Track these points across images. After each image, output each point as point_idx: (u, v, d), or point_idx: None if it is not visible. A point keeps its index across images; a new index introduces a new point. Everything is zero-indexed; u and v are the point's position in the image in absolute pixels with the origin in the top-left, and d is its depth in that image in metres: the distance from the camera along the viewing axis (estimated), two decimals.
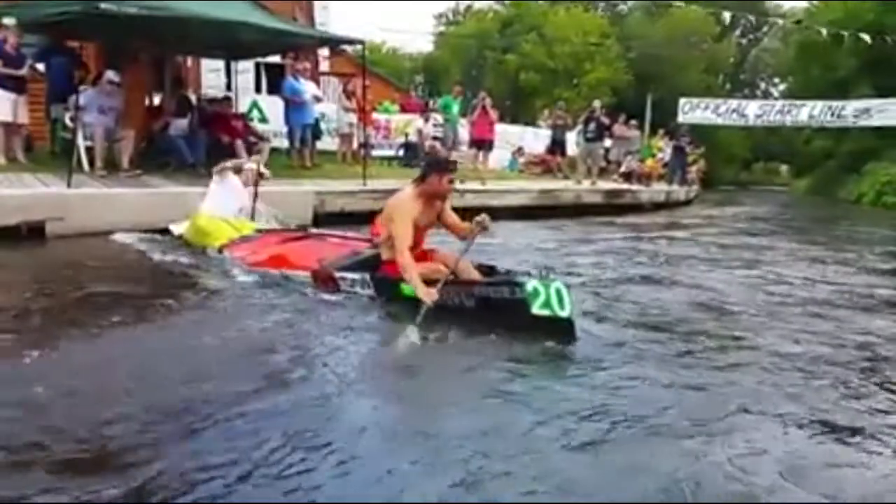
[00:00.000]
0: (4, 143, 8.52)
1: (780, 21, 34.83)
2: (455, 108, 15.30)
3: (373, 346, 3.62)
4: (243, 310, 4.32)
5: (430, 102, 16.62)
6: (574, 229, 10.12)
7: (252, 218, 6.59)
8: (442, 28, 51.07)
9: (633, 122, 19.26)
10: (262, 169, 6.88)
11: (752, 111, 23.19)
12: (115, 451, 2.30)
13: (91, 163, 8.52)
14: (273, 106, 12.49)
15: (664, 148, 20.10)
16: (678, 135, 19.19)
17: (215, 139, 9.63)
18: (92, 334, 3.65)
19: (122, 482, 2.07)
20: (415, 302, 3.96)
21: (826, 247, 9.47)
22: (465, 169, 13.17)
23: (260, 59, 14.37)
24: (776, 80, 49.71)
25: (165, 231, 6.53)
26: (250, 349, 3.50)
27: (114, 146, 8.75)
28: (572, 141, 16.90)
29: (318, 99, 11.91)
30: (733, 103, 24.33)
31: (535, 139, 18.76)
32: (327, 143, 13.22)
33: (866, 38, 18.84)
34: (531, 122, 22.71)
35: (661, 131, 21.76)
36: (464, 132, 15.39)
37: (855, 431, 2.64)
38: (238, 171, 6.58)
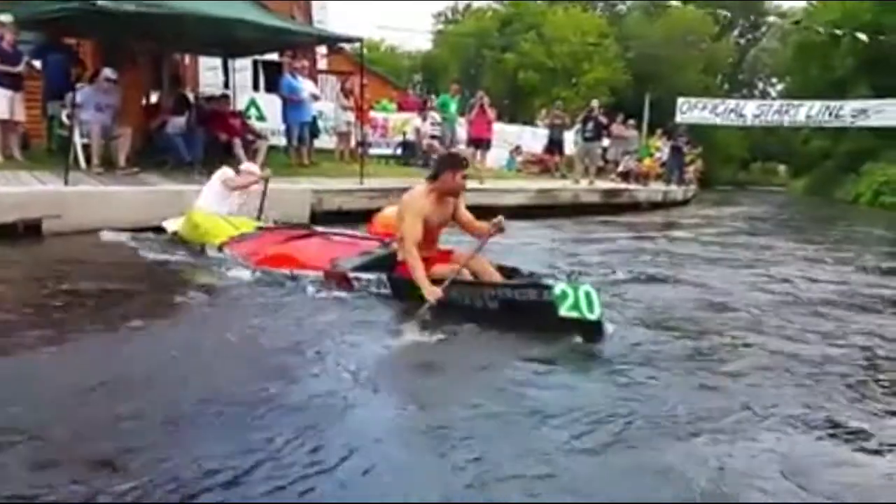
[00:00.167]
0: (1, 141, 8.49)
1: (779, 21, 34.81)
2: (453, 107, 15.29)
3: (386, 345, 3.60)
4: (253, 308, 4.30)
5: (428, 101, 16.57)
6: (573, 229, 10.13)
7: (259, 217, 6.57)
8: (441, 26, 51.09)
9: (631, 121, 19.27)
10: (254, 169, 6.81)
11: (750, 111, 23.26)
12: (120, 449, 2.28)
13: (88, 160, 8.50)
14: (271, 104, 12.47)
15: (662, 148, 20.11)
16: (676, 134, 19.21)
17: (213, 137, 9.61)
18: (97, 332, 3.64)
19: (127, 481, 2.07)
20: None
21: (824, 247, 9.48)
22: None
23: (258, 57, 14.35)
24: (774, 80, 49.74)
25: (158, 229, 6.47)
26: (261, 348, 3.49)
27: (111, 144, 8.72)
28: (570, 140, 16.91)
29: (315, 97, 11.90)
30: (731, 103, 24.40)
31: (533, 138, 18.77)
32: (325, 141, 13.20)
33: (863, 37, 18.85)
34: (529, 121, 22.71)
35: (658, 131, 21.77)
36: (462, 131, 15.39)
37: (858, 432, 2.63)
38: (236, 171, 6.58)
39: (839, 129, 24.23)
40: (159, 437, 2.39)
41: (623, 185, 16.16)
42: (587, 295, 3.67)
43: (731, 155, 43.57)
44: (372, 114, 14.94)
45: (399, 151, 14.98)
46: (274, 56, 14.33)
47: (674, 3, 19.82)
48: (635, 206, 14.68)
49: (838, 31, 20.38)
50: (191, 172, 8.60)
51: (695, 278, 6.07)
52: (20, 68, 8.54)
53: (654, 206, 15.78)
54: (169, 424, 2.49)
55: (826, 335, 4.13)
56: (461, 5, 50.45)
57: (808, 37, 28.19)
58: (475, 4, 49.36)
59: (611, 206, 13.51)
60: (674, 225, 12.70)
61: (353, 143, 12.95)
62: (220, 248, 5.63)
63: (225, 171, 6.38)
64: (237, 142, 9.59)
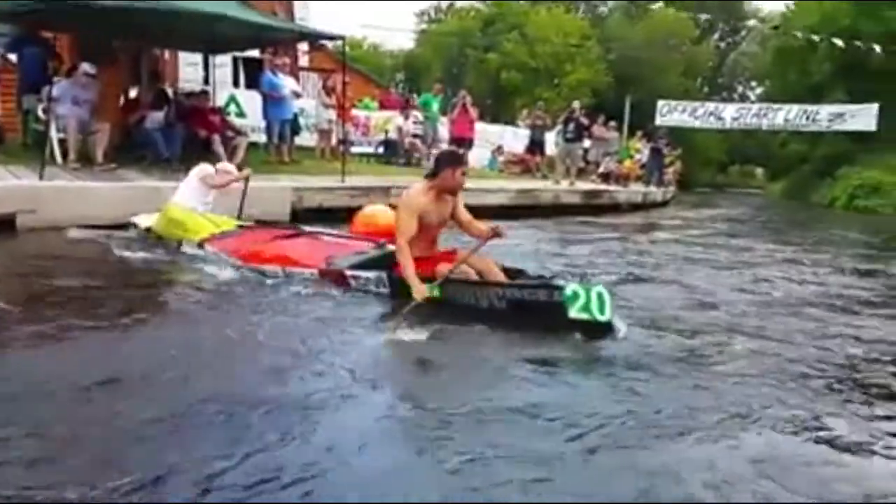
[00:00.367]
0: None
1: (758, 25, 35.22)
2: (435, 106, 15.30)
3: (385, 344, 3.58)
4: (245, 306, 4.27)
5: (410, 99, 16.55)
6: (554, 229, 10.16)
7: (239, 215, 6.49)
8: (424, 25, 51.08)
9: (612, 123, 19.40)
10: (231, 168, 6.70)
11: (729, 114, 23.48)
12: (113, 449, 2.26)
13: (64, 155, 8.37)
14: (251, 101, 12.38)
15: (642, 149, 20.26)
16: (656, 137, 19.36)
17: (192, 133, 9.53)
18: (84, 330, 3.56)
19: (122, 481, 2.04)
20: (437, 302, 3.99)
21: (802, 249, 9.60)
22: None
23: (238, 54, 14.23)
24: (753, 83, 50.34)
25: (125, 226, 6.34)
26: (257, 347, 3.46)
27: (88, 139, 8.60)
28: (551, 141, 16.97)
29: (297, 94, 11.83)
30: (710, 106, 24.62)
31: (515, 139, 18.81)
32: (306, 138, 13.14)
33: (840, 43, 19.13)
34: (511, 121, 22.76)
35: (639, 133, 21.93)
36: (444, 130, 15.40)
37: (841, 432, 2.64)
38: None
39: (816, 133, 24.54)
40: (153, 437, 2.36)
41: (603, 187, 16.27)
42: (599, 296, 3.69)
43: (710, 157, 44.06)
44: (354, 112, 14.87)
45: (381, 150, 14.94)
46: (255, 52, 14.22)
47: (655, 6, 20.00)
48: (615, 208, 14.77)
49: (815, 37, 20.64)
50: (169, 169, 8.50)
51: (678, 279, 6.11)
52: None
53: (634, 207, 15.89)
54: (163, 423, 2.46)
55: (807, 336, 4.16)
56: (444, 4, 50.55)
57: (787, 41, 28.56)
58: (458, 4, 49.44)
59: (591, 207, 13.58)
60: (654, 226, 12.79)
61: (334, 140, 12.89)
62: (199, 245, 5.54)
63: (204, 168, 6.29)
64: (216, 138, 9.52)
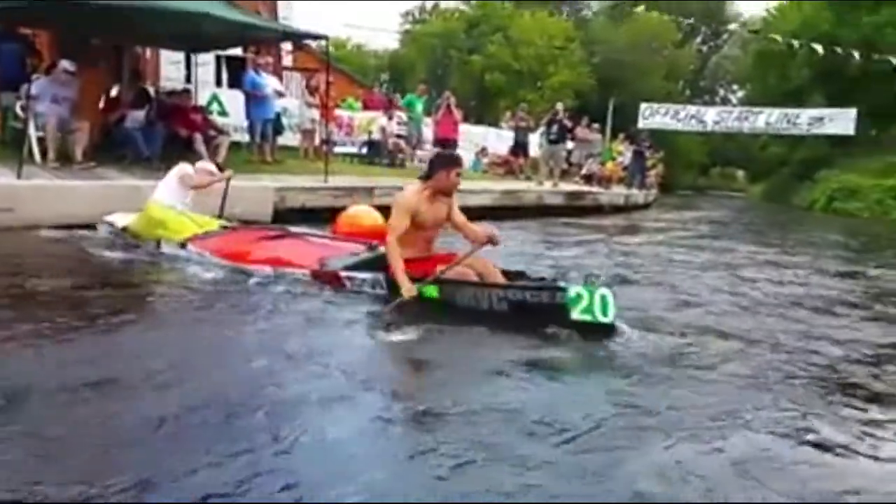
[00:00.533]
0: None
1: (738, 29, 35.55)
2: (419, 107, 15.30)
3: (379, 344, 3.59)
4: (236, 307, 4.23)
5: (394, 100, 16.52)
6: (539, 230, 10.19)
7: (220, 216, 6.39)
8: (408, 26, 50.99)
9: (596, 125, 19.53)
10: (210, 167, 6.53)
11: (711, 117, 23.70)
12: (100, 451, 2.24)
13: (43, 154, 8.26)
14: (233, 100, 12.29)
15: (624, 152, 20.39)
16: (638, 139, 19.50)
17: (173, 132, 9.45)
18: (73, 331, 3.51)
19: (117, 481, 2.02)
20: (437, 304, 4.01)
21: (784, 251, 9.71)
22: None
23: (221, 52, 14.14)
24: (735, 87, 50.83)
25: (93, 226, 6.26)
26: (251, 348, 3.43)
27: (67, 137, 8.50)
28: (535, 143, 17.03)
29: (280, 94, 11.77)
30: (692, 109, 24.83)
31: (499, 140, 18.85)
32: (289, 138, 13.06)
33: (819, 49, 19.37)
34: (494, 122, 22.80)
35: (621, 135, 22.06)
36: (428, 131, 15.40)
37: (828, 435, 2.66)
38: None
39: (796, 136, 24.84)
40: (145, 438, 2.34)
41: (586, 188, 16.34)
42: (603, 298, 3.69)
43: (692, 160, 44.44)
44: (338, 112, 14.83)
45: (364, 150, 14.90)
46: (237, 51, 14.14)
47: (638, 9, 20.11)
48: (598, 209, 14.84)
49: (795, 42, 20.89)
50: (149, 168, 8.42)
51: (663, 281, 6.14)
52: None
53: (616, 209, 15.97)
54: (157, 425, 2.43)
55: (791, 336, 4.19)
56: (428, 5, 50.45)
57: (768, 46, 28.84)
58: (442, 5, 49.43)
59: (574, 209, 13.63)
60: (638, 228, 12.87)
61: (317, 140, 12.84)
62: (182, 245, 5.47)
63: (183, 168, 6.15)
64: (198, 137, 9.45)
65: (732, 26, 35.55)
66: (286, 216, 8.02)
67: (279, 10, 17.78)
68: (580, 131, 18.15)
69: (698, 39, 49.74)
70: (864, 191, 21.77)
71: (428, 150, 15.44)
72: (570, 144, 17.38)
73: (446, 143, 13.68)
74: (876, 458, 2.50)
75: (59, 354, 3.17)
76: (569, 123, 15.78)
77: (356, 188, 9.46)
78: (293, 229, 6.07)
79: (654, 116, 23.15)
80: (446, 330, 3.79)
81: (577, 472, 2.26)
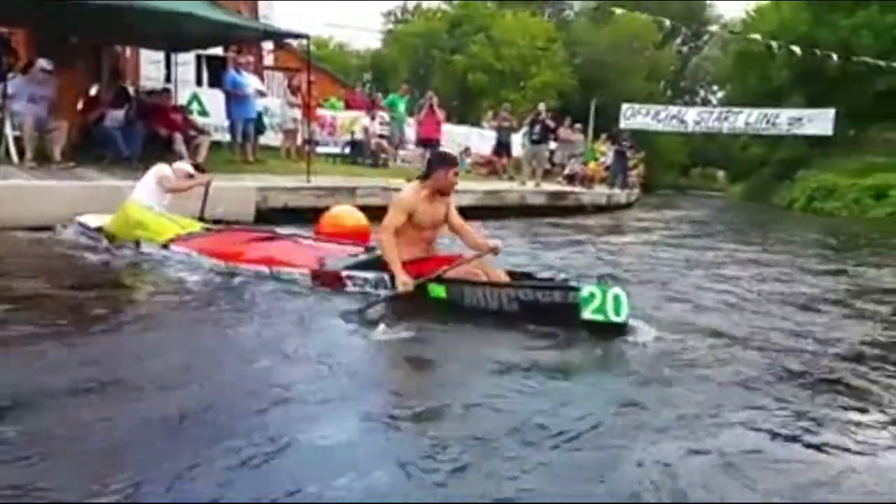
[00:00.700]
0: None
1: (718, 30, 35.89)
2: (402, 107, 15.27)
3: (383, 344, 3.57)
4: (234, 306, 4.18)
5: (376, 100, 16.48)
6: (523, 230, 10.20)
7: (202, 217, 6.27)
8: (390, 26, 50.93)
9: (578, 125, 19.59)
10: (188, 168, 6.37)
11: (691, 118, 23.90)
12: (109, 450, 2.23)
13: (20, 154, 8.14)
14: (214, 99, 12.18)
15: (606, 152, 20.52)
16: (620, 139, 19.62)
17: (153, 132, 9.35)
18: (57, 335, 3.43)
19: (116, 482, 2.00)
20: (443, 303, 4.02)
21: (765, 250, 9.79)
22: (413, 168, 13.15)
23: (201, 52, 14.03)
24: (715, 87, 51.31)
25: (51, 228, 6.13)
26: (251, 348, 3.41)
27: (46, 137, 8.39)
28: (518, 143, 17.07)
29: (261, 93, 11.70)
30: (673, 110, 25.03)
31: (481, 140, 18.88)
32: (271, 138, 12.99)
33: (797, 50, 19.60)
34: (476, 122, 22.83)
35: (603, 136, 22.19)
36: (410, 131, 15.37)
37: (814, 433, 2.67)
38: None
39: (775, 136, 25.11)
40: (145, 439, 2.33)
41: (569, 188, 16.41)
42: (616, 298, 3.69)
43: (673, 160, 44.79)
44: (320, 112, 14.77)
45: (347, 150, 14.86)
46: (218, 51, 14.04)
47: (619, 10, 20.23)
48: (580, 209, 14.89)
49: (774, 43, 21.12)
50: (129, 168, 8.32)
51: (649, 279, 6.15)
52: None
53: (599, 209, 16.04)
54: (158, 425, 2.43)
55: (775, 334, 4.21)
56: (410, 5, 50.43)
57: (747, 47, 29.15)
58: (425, 5, 49.39)
59: (556, 209, 13.67)
60: (620, 228, 12.94)
61: (300, 140, 12.78)
62: (164, 246, 5.38)
63: (161, 169, 6.02)
64: (178, 137, 9.36)
65: (713, 28, 35.79)
66: (268, 216, 7.97)
67: (260, 9, 17.71)
68: (563, 131, 18.22)
69: (678, 40, 50.18)
70: (843, 190, 22.05)
71: (410, 150, 15.44)
72: (552, 145, 17.43)
73: (429, 142, 13.65)
74: (864, 455, 2.51)
75: (55, 357, 3.11)
76: (551, 124, 15.81)
77: (339, 188, 9.41)
78: (281, 231, 5.99)
79: (635, 117, 23.30)
80: (451, 329, 3.81)
81: (576, 472, 2.26)
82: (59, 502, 1.92)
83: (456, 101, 37.40)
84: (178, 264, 5.12)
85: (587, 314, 3.73)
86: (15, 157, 8.06)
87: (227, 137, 11.51)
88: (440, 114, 14.10)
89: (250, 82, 11.11)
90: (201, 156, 9.56)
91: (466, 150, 17.91)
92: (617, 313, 3.69)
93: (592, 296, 3.72)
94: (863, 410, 2.97)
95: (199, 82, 14.42)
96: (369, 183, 10.22)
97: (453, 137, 17.72)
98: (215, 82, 13.30)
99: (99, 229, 5.86)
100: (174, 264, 5.13)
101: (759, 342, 3.97)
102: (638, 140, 22.46)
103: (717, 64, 46.51)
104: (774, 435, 2.63)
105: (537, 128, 14.89)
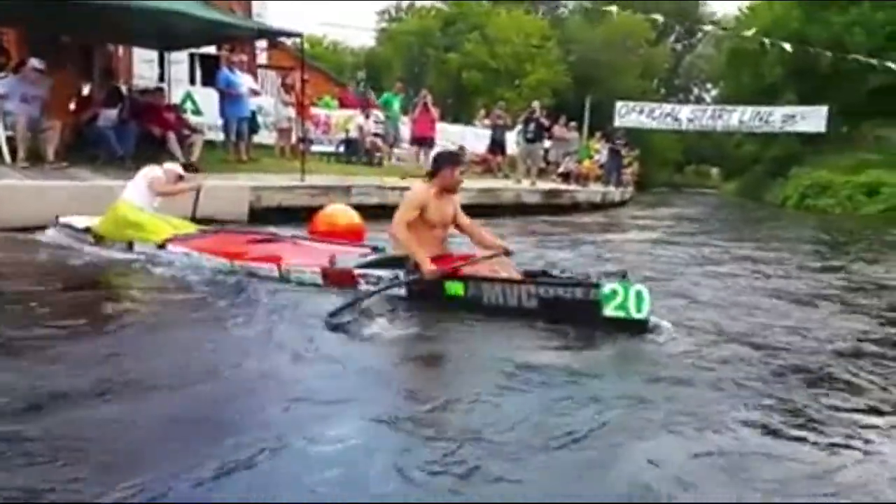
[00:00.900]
0: None
1: (711, 28, 35.94)
2: (396, 105, 15.25)
3: (393, 342, 3.60)
4: (245, 305, 4.18)
5: (370, 98, 16.44)
6: (518, 228, 10.20)
7: (194, 217, 6.22)
8: (384, 24, 50.84)
9: (572, 123, 19.61)
10: (178, 169, 6.23)
11: (685, 115, 23.90)
12: (107, 453, 2.23)
13: (13, 154, 8.11)
14: (208, 98, 12.15)
15: (601, 150, 20.52)
16: (614, 137, 19.61)
17: (146, 131, 9.32)
18: (64, 336, 3.44)
19: (124, 483, 2.01)
20: (457, 301, 4.05)
21: (760, 246, 9.78)
22: (408, 167, 13.15)
23: (194, 50, 13.99)
24: (708, 85, 51.45)
25: (32, 229, 6.07)
26: (264, 346, 3.43)
27: (38, 137, 8.35)
28: (512, 141, 17.07)
29: (255, 92, 11.66)
30: (667, 107, 25.02)
31: (476, 139, 18.86)
32: (265, 136, 12.96)
33: (788, 48, 19.63)
34: (470, 121, 22.81)
35: (598, 134, 22.19)
36: (405, 129, 15.36)
37: (813, 431, 2.67)
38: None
39: (769, 134, 25.15)
40: (157, 438, 2.35)
41: (563, 186, 16.42)
42: (638, 294, 3.69)
43: (667, 158, 44.86)
44: (314, 110, 14.74)
45: (341, 149, 14.83)
46: (211, 49, 14.00)
47: (612, 8, 20.24)
48: (575, 207, 14.91)
49: (766, 40, 21.16)
50: (122, 167, 8.29)
51: (646, 276, 6.14)
52: None
53: (594, 207, 16.06)
54: (165, 425, 2.46)
55: (771, 330, 4.22)
56: (405, 3, 50.35)
57: (741, 44, 29.19)
58: (419, 3, 49.32)
59: (551, 207, 13.69)
60: (616, 225, 12.96)
61: (293, 139, 12.75)
62: (160, 246, 5.34)
63: (151, 171, 5.94)
64: (172, 136, 9.34)
65: (708, 28, 35.84)
66: (262, 215, 7.96)
67: (253, 8, 17.65)
68: (557, 130, 18.24)
69: (672, 38, 50.24)
70: (836, 187, 22.09)
71: (405, 149, 15.43)
72: (547, 143, 17.44)
73: (423, 141, 13.66)
74: (866, 454, 2.51)
75: (65, 359, 3.10)
76: (546, 122, 15.83)
77: (333, 187, 9.41)
78: (278, 233, 5.98)
79: (629, 115, 23.30)
80: (465, 326, 3.83)
81: (576, 472, 2.27)
82: (69, 502, 1.92)
83: (450, 100, 37.40)
84: (178, 264, 5.10)
85: (608, 311, 3.74)
86: (7, 158, 8.03)
87: (220, 136, 11.47)
88: (434, 112, 14.11)
89: (244, 81, 11.08)
90: (195, 155, 9.55)
91: (461, 149, 17.86)
92: (639, 310, 3.70)
93: (614, 292, 3.73)
94: (863, 408, 2.97)
95: (192, 81, 14.39)
96: (364, 182, 10.22)
97: (448, 136, 17.69)
98: (209, 81, 13.26)
99: (87, 230, 5.80)
100: (174, 264, 5.11)
101: (758, 339, 3.97)
102: (632, 138, 22.48)
103: (711, 62, 46.61)
104: (775, 434, 2.63)
105: (532, 126, 14.90)
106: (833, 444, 2.57)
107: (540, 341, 3.65)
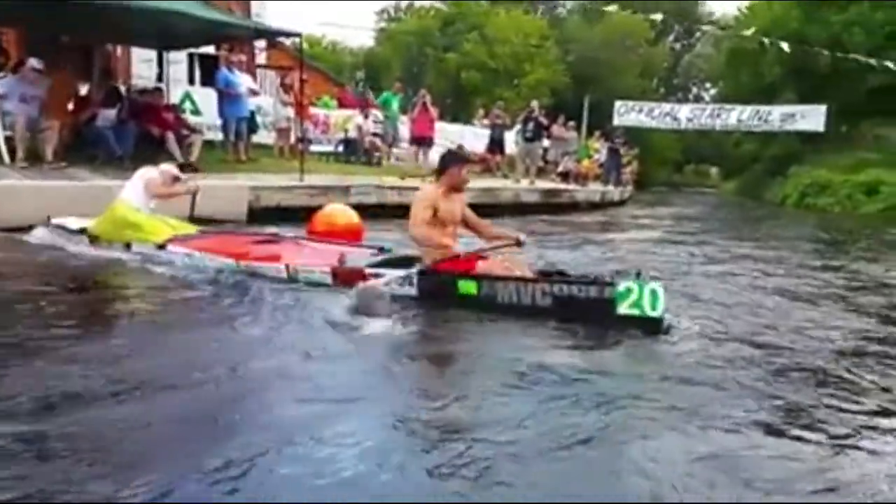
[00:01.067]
0: None
1: (709, 28, 35.95)
2: (395, 105, 15.24)
3: (407, 342, 3.62)
4: (248, 304, 4.18)
5: (369, 99, 16.43)
6: (517, 228, 10.16)
7: (191, 217, 6.14)
8: (383, 24, 50.82)
9: (571, 123, 19.60)
10: (174, 171, 6.15)
11: (684, 115, 23.92)
12: (122, 452, 2.24)
13: (12, 154, 8.10)
14: (207, 98, 12.12)
15: (600, 149, 20.51)
16: (613, 136, 19.61)
17: (145, 131, 9.31)
18: (75, 336, 3.44)
19: (121, 483, 2.01)
20: (470, 300, 4.07)
21: (759, 245, 9.78)
22: (407, 167, 13.15)
23: (193, 50, 13.97)
24: (708, 84, 51.43)
25: (22, 229, 6.01)
26: (276, 346, 3.45)
27: (37, 137, 8.34)
28: (511, 140, 17.06)
29: (254, 92, 11.65)
30: (666, 107, 25.05)
31: (475, 138, 18.84)
32: (264, 136, 12.95)
33: (786, 47, 19.63)
34: (468, 121, 22.81)
35: (597, 133, 22.19)
36: (404, 129, 15.35)
37: (814, 430, 2.68)
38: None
39: (768, 133, 25.16)
40: (170, 437, 2.37)
41: (563, 186, 16.41)
42: (653, 292, 3.70)
43: (666, 157, 44.83)
44: (313, 110, 14.73)
45: (340, 149, 14.83)
46: (210, 49, 13.99)
47: (611, 7, 20.25)
48: (574, 206, 14.91)
49: (765, 40, 21.15)
50: (121, 167, 8.27)
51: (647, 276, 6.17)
52: None
53: (593, 206, 16.06)
54: (179, 424, 2.48)
55: (774, 329, 4.22)
56: (403, 3, 50.35)
57: (739, 44, 29.20)
58: (418, 3, 49.31)
59: (550, 206, 13.68)
60: (616, 225, 12.96)
61: (292, 139, 12.74)
62: (161, 247, 5.30)
63: (148, 172, 5.87)
64: (170, 136, 9.33)
65: (706, 28, 35.84)
66: (261, 215, 7.95)
67: (252, 8, 17.64)
68: (556, 129, 18.23)
69: (671, 38, 50.25)
70: (835, 186, 22.09)
71: (404, 149, 15.43)
72: (546, 142, 17.43)
73: (422, 140, 13.65)
74: (870, 453, 2.51)
75: (75, 358, 3.09)
76: (545, 121, 15.83)
77: (332, 187, 9.40)
78: (280, 234, 5.96)
79: (628, 114, 23.31)
80: (469, 326, 3.85)
81: (580, 473, 2.27)
82: (77, 502, 1.92)
83: (449, 99, 37.40)
84: (180, 265, 5.08)
85: (623, 309, 3.74)
86: (6, 157, 8.02)
87: (219, 136, 11.46)
88: (433, 112, 14.11)
89: (243, 81, 11.08)
90: (194, 155, 9.55)
91: (460, 148, 17.85)
92: (653, 308, 3.70)
93: (629, 291, 3.74)
94: (864, 408, 2.97)
95: (191, 81, 14.37)
96: (363, 181, 10.22)
97: (446, 135, 17.68)
98: (208, 81, 13.25)
99: (82, 230, 5.73)
100: (176, 265, 5.09)
101: (761, 338, 3.97)
102: (631, 137, 22.49)
103: (710, 61, 46.59)
104: (777, 434, 2.63)
105: (530, 125, 14.90)
106: (834, 444, 2.56)
107: (551, 341, 3.65)
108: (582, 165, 18.99)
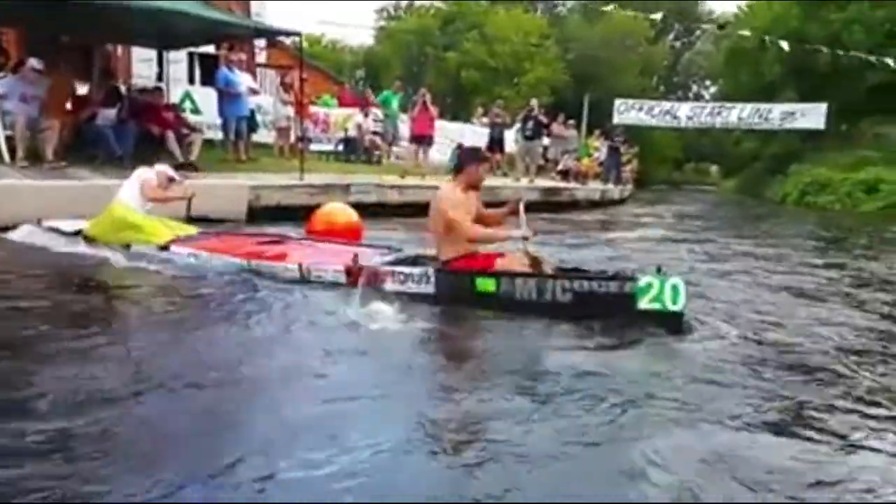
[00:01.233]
0: None
1: (709, 26, 35.94)
2: (395, 104, 15.24)
3: (425, 341, 3.63)
4: (261, 304, 4.16)
5: (369, 98, 16.42)
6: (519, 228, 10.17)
7: (188, 218, 6.08)
8: (383, 23, 50.78)
9: (571, 121, 19.59)
10: (171, 172, 6.02)
11: (684, 113, 23.89)
12: (132, 451, 2.26)
13: (12, 153, 8.10)
14: (206, 97, 12.12)
15: (600, 147, 20.50)
16: (613, 135, 19.60)
17: (145, 130, 9.31)
18: (93, 340, 3.42)
19: (147, 481, 2.03)
20: (489, 298, 4.06)
21: (759, 243, 9.78)
22: (407, 165, 13.14)
23: (193, 50, 13.97)
24: (707, 82, 51.39)
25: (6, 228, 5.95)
26: (292, 344, 3.47)
27: (37, 136, 8.34)
28: (511, 139, 17.06)
29: (254, 91, 11.65)
30: (666, 105, 25.02)
31: (475, 137, 18.82)
32: (264, 135, 12.95)
33: (785, 46, 19.62)
34: (468, 119, 22.79)
35: (597, 131, 22.17)
36: (404, 128, 15.35)
37: (818, 429, 2.68)
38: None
39: (768, 131, 25.13)
40: (181, 438, 2.37)
41: (563, 184, 16.41)
42: (674, 287, 3.71)
43: (666, 155, 44.78)
44: (313, 109, 14.73)
45: (341, 147, 14.83)
46: (210, 48, 13.99)
47: (611, 6, 20.26)
48: (574, 205, 14.91)
49: (765, 38, 21.15)
50: (121, 167, 8.27)
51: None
52: None
53: (593, 204, 16.06)
54: (195, 424, 2.50)
55: (777, 326, 4.23)
56: (403, 2, 50.31)
57: (739, 42, 29.18)
58: (417, 2, 49.27)
59: (550, 205, 13.68)
60: (615, 223, 12.95)
61: (293, 138, 12.74)
62: (163, 248, 5.24)
63: (144, 173, 5.79)
64: (170, 135, 9.32)
65: (706, 27, 35.83)
66: (261, 215, 7.95)
67: (252, 7, 17.64)
68: (556, 127, 18.22)
69: (671, 36, 50.21)
70: (835, 184, 22.08)
71: (404, 147, 15.42)
72: (545, 141, 17.42)
73: (422, 139, 13.64)
74: (871, 452, 2.52)
75: (91, 360, 3.09)
76: (544, 120, 15.82)
77: (332, 186, 9.40)
78: (284, 234, 5.94)
79: (628, 112, 23.29)
80: (485, 324, 3.86)
81: (588, 472, 2.27)
82: (88, 502, 1.93)
83: (449, 98, 37.39)
84: (185, 266, 5.03)
85: (644, 304, 3.75)
86: (6, 157, 8.02)
87: (219, 135, 11.45)
88: (433, 110, 14.09)
89: (243, 80, 11.06)
90: (194, 154, 9.55)
91: (460, 147, 17.86)
92: (674, 302, 3.71)
93: (650, 285, 3.75)
94: (866, 407, 2.97)
95: (191, 80, 14.38)
96: (363, 180, 10.22)
97: (446, 134, 17.69)
98: (208, 80, 13.25)
99: (78, 232, 5.64)
100: (181, 266, 5.04)
101: (763, 336, 3.98)
102: (631, 135, 22.48)
103: (710, 59, 46.55)
104: (779, 434, 2.63)
105: (530, 124, 14.90)
106: (836, 444, 2.57)
107: (568, 340, 3.65)
108: (582, 164, 18.98)
